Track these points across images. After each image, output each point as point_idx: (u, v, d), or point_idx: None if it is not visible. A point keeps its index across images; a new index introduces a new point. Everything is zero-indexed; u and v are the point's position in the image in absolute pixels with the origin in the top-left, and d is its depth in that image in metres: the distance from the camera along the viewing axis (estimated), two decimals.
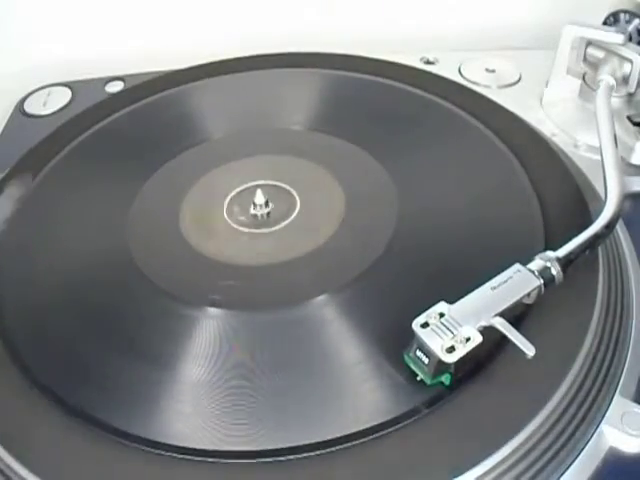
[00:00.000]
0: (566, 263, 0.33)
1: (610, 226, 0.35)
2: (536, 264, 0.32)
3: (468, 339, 0.30)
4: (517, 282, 0.32)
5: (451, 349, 0.29)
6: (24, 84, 0.58)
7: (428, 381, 0.30)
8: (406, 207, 0.40)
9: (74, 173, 0.46)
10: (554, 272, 0.32)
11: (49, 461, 0.30)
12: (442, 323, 0.30)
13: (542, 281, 0.32)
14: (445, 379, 0.30)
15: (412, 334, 0.30)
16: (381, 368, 0.32)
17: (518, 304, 0.31)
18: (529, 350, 0.29)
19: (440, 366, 0.30)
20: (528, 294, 0.32)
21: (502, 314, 0.30)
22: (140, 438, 0.30)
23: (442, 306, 0.31)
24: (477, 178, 0.42)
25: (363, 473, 0.29)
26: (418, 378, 0.31)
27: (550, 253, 0.33)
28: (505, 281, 0.32)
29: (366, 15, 0.64)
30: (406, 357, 0.31)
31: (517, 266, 0.32)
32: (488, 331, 0.30)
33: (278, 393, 0.32)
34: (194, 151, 0.47)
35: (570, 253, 0.33)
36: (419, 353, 0.30)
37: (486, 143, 0.44)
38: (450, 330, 0.30)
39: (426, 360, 0.30)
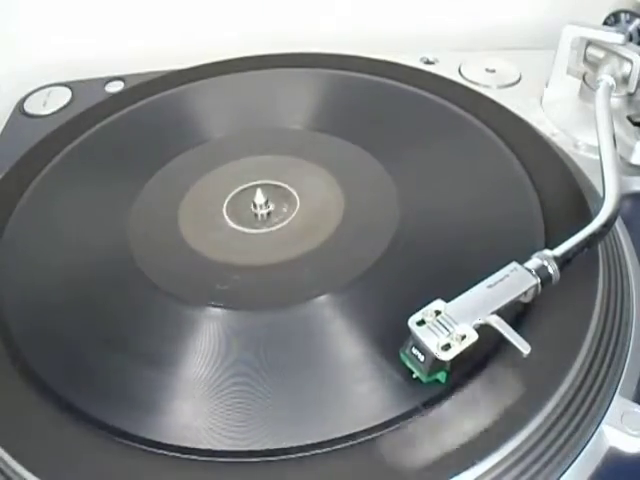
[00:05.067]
0: (563, 262, 0.33)
1: (608, 225, 0.35)
2: (533, 263, 0.32)
3: (464, 337, 0.30)
4: (513, 280, 0.32)
5: (447, 347, 0.29)
6: (24, 84, 0.58)
7: (424, 379, 0.30)
8: (406, 207, 0.40)
9: (74, 173, 0.46)
10: (551, 271, 0.32)
11: (49, 461, 0.30)
12: (438, 321, 0.30)
13: (539, 280, 0.32)
14: (441, 377, 0.30)
15: (409, 332, 0.30)
16: (381, 368, 0.32)
17: (515, 302, 0.31)
18: (525, 348, 0.29)
19: (436, 364, 0.30)
20: (525, 293, 0.32)
21: (498, 312, 0.31)
22: (140, 438, 0.30)
23: (438, 304, 0.31)
24: (477, 178, 0.42)
25: (363, 473, 0.29)
26: (414, 376, 0.31)
27: (547, 252, 0.33)
28: (501, 279, 0.32)
29: (366, 15, 0.64)
30: (402, 355, 0.31)
31: (514, 264, 0.32)
32: (486, 330, 0.30)
33: (278, 393, 0.32)
34: (194, 151, 0.47)
35: (567, 252, 0.33)
36: (415, 351, 0.30)
37: (486, 143, 0.44)
38: (446, 328, 0.30)
39: (422, 358, 0.30)
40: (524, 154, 0.43)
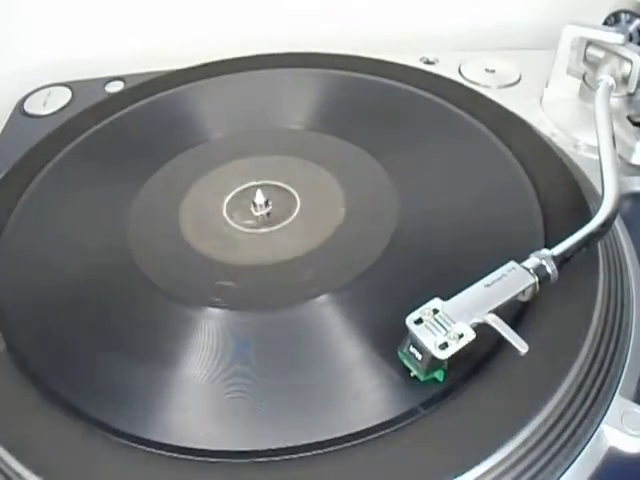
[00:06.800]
0: (562, 261, 0.33)
1: (606, 224, 0.35)
2: (531, 262, 0.32)
3: (461, 335, 0.30)
4: (511, 279, 0.32)
5: (444, 345, 0.29)
6: (24, 84, 0.58)
7: (421, 377, 0.30)
8: (406, 207, 0.40)
9: (74, 173, 0.46)
10: (549, 270, 0.32)
11: (49, 461, 0.30)
12: (435, 319, 0.30)
13: (537, 279, 0.32)
14: (438, 375, 0.31)
15: (407, 331, 0.30)
16: (381, 368, 0.32)
17: (513, 301, 0.31)
18: (522, 347, 0.29)
19: (433, 362, 0.30)
20: (522, 292, 0.32)
21: (496, 311, 0.31)
22: (140, 438, 0.30)
23: (436, 302, 0.31)
24: (477, 178, 0.42)
25: (363, 473, 0.29)
26: (412, 374, 0.31)
27: (545, 251, 0.33)
28: (499, 278, 0.32)
29: (366, 15, 0.64)
30: (400, 353, 0.31)
31: (512, 263, 0.32)
32: (485, 329, 0.30)
33: (277, 393, 0.32)
34: (194, 151, 0.47)
35: (566, 251, 0.33)
36: (412, 349, 0.30)
37: (486, 143, 0.44)
38: (443, 327, 0.30)
39: (419, 356, 0.30)
40: (524, 154, 0.43)
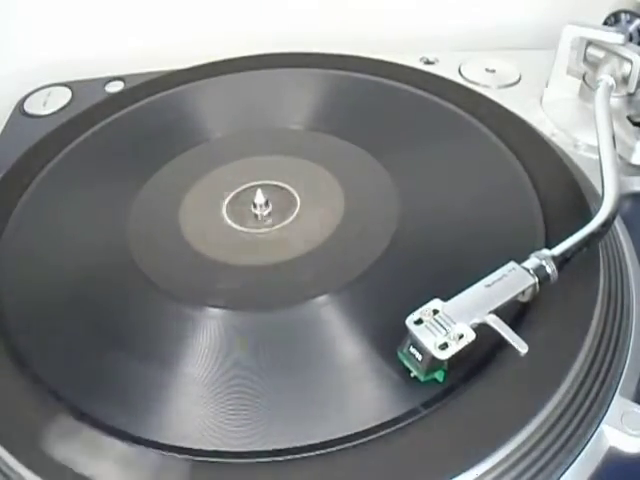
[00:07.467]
0: (562, 261, 0.33)
1: (607, 225, 0.35)
2: (531, 262, 0.32)
3: (461, 336, 0.30)
4: (511, 280, 0.32)
5: (444, 346, 0.29)
6: (24, 84, 0.58)
7: (421, 378, 0.30)
8: (406, 207, 0.40)
9: (74, 173, 0.46)
10: (549, 270, 0.32)
11: (47, 459, 0.30)
12: (435, 320, 0.30)
13: (537, 279, 0.32)
14: (438, 376, 0.31)
15: (407, 331, 0.30)
16: (381, 368, 0.32)
17: (513, 302, 0.31)
18: (522, 348, 0.29)
19: (433, 363, 0.30)
20: (522, 292, 0.32)
21: (496, 312, 0.31)
22: (140, 437, 0.30)
23: (436, 303, 0.31)
24: (477, 178, 0.42)
25: (362, 473, 0.29)
26: (412, 375, 0.31)
27: (545, 251, 0.33)
28: (500, 279, 0.32)
29: (366, 15, 0.64)
30: (400, 354, 0.31)
31: (512, 264, 0.32)
32: (485, 329, 0.30)
33: (278, 393, 0.32)
34: (194, 151, 0.47)
35: (566, 251, 0.33)
36: (412, 350, 0.30)
37: (486, 143, 0.44)
38: (443, 327, 0.30)
39: (419, 357, 0.30)
40: (524, 154, 0.43)
